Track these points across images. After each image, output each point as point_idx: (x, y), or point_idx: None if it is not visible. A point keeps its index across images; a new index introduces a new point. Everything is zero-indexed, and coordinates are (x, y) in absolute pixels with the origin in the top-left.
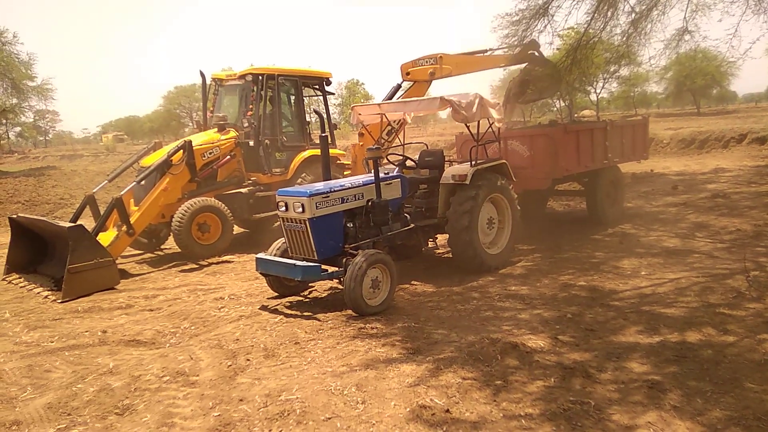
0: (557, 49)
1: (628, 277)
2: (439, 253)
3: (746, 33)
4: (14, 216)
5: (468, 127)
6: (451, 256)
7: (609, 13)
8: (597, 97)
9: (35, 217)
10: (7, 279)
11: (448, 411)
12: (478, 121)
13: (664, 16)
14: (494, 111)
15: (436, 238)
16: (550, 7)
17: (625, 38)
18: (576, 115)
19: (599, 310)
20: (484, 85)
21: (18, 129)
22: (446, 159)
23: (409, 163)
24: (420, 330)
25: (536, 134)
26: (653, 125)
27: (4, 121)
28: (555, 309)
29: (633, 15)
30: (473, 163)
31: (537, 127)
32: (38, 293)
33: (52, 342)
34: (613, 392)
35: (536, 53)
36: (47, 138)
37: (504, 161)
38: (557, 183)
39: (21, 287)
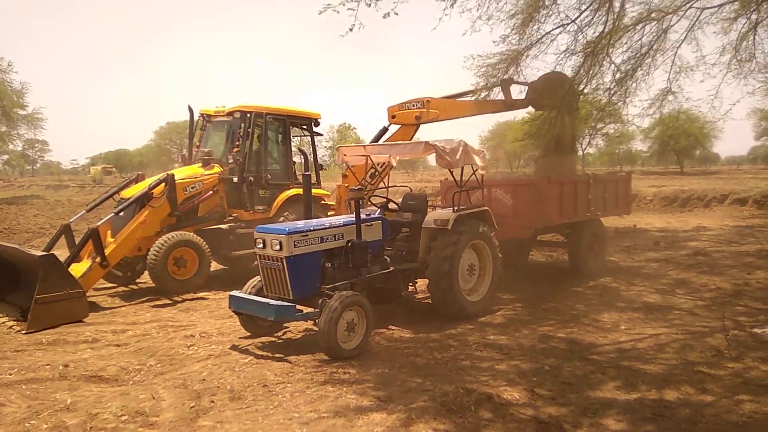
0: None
1: (607, 330)
2: (418, 298)
3: (728, 95)
4: None
5: (452, 173)
6: (430, 301)
7: (594, 70)
8: (583, 152)
9: (7, 244)
10: None
11: None
12: (462, 168)
13: (649, 76)
14: (478, 158)
15: (416, 282)
16: (521, 59)
17: (609, 96)
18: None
19: (578, 364)
20: (475, 130)
21: (5, 157)
22: (429, 204)
23: (391, 205)
24: (394, 377)
25: (520, 183)
26: (638, 182)
27: None
28: (533, 360)
29: (618, 74)
30: (456, 208)
31: (521, 177)
32: (2, 323)
33: (11, 374)
34: None
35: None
36: (35, 167)
37: (486, 208)
38: (540, 233)
39: None
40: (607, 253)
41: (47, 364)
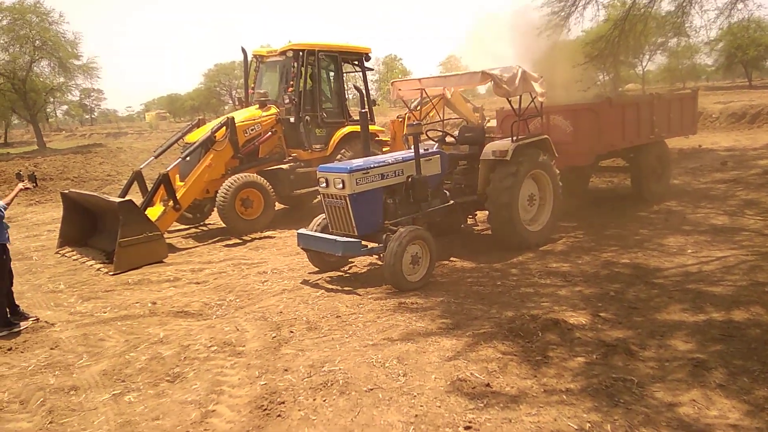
0: (603, 20)
1: (673, 254)
2: (478, 230)
3: None
4: (66, 191)
5: (509, 102)
6: (490, 232)
7: None
8: (643, 70)
9: (86, 192)
10: (60, 252)
11: (488, 385)
12: (520, 96)
13: None
14: (537, 85)
15: (476, 214)
16: None
17: (675, 8)
18: (620, 89)
19: (642, 288)
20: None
21: (65, 107)
22: (486, 135)
23: (449, 139)
24: (459, 305)
25: (580, 109)
26: (702, 99)
27: (52, 99)
28: (596, 286)
29: None
30: (514, 138)
31: (581, 102)
32: (90, 266)
33: (105, 312)
34: (656, 370)
35: None
36: (93, 116)
37: (546, 137)
38: (601, 159)
39: (74, 260)
40: (671, 176)
41: (137, 302)
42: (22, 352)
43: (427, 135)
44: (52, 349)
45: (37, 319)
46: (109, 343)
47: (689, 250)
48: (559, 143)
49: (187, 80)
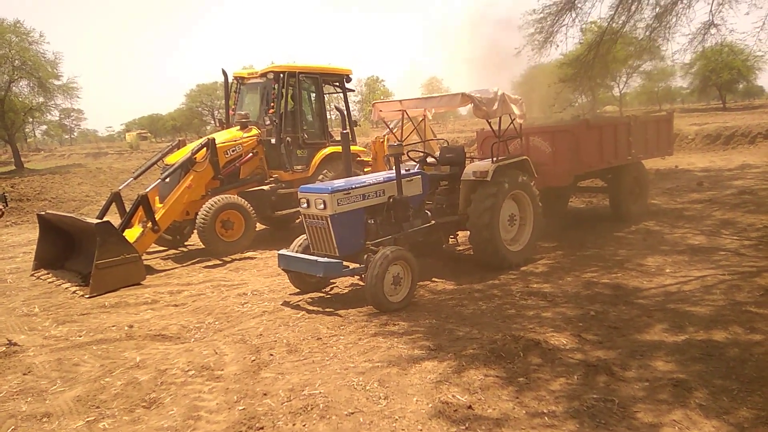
0: (580, 43)
1: (652, 274)
2: (460, 250)
3: None
4: (42, 213)
5: (489, 123)
6: (472, 252)
7: (633, 7)
8: (620, 92)
9: (63, 213)
10: (35, 274)
11: (470, 407)
12: (500, 117)
13: (690, 9)
14: (516, 107)
15: (458, 234)
16: (577, 0)
17: (649, 32)
18: (598, 111)
19: (623, 308)
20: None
21: (44, 127)
22: (467, 155)
23: (429, 159)
24: (442, 327)
25: (558, 130)
26: (678, 120)
27: (31, 119)
28: (578, 307)
29: (657, 8)
30: (494, 159)
31: (559, 123)
32: (66, 288)
33: (81, 336)
34: (638, 390)
35: None
36: (72, 136)
37: (526, 157)
38: (579, 180)
39: (49, 282)
40: (648, 196)
41: (113, 326)
42: None
43: (408, 155)
44: (24, 374)
45: (11, 344)
46: (84, 368)
47: (668, 270)
48: (539, 164)
49: (169, 101)
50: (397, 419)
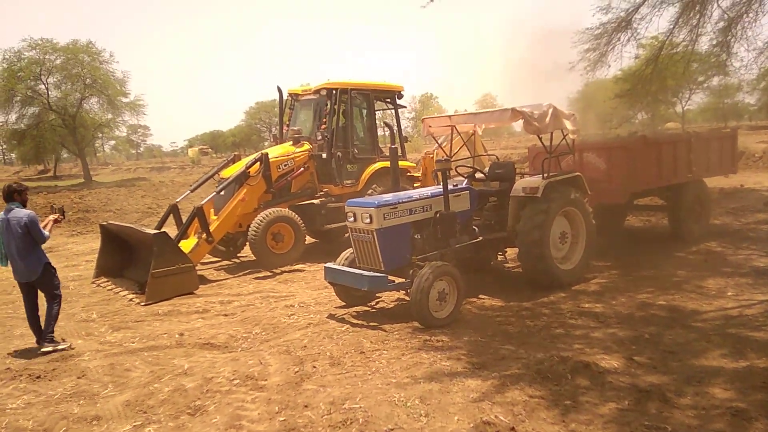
0: (636, 57)
1: (712, 297)
2: (508, 268)
3: None
4: (104, 223)
5: (540, 139)
6: (521, 270)
7: (695, 21)
8: (683, 108)
9: (123, 224)
10: (96, 282)
11: (513, 429)
12: (551, 133)
13: (756, 23)
14: (568, 122)
15: (506, 251)
16: (632, 19)
17: (713, 47)
18: (659, 128)
19: (680, 332)
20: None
21: (112, 142)
22: (518, 172)
23: (478, 175)
24: (486, 345)
25: (614, 146)
26: (744, 138)
27: (100, 135)
28: (631, 328)
29: (722, 22)
30: (545, 175)
31: (615, 139)
32: (123, 296)
33: (134, 343)
34: (693, 418)
35: None
36: (139, 151)
37: (578, 174)
38: (636, 197)
39: (108, 290)
40: (711, 216)
41: (165, 333)
42: (50, 380)
43: (456, 171)
44: (79, 378)
45: (68, 347)
46: (135, 374)
47: (730, 293)
48: (593, 181)
49: (229, 117)
50: None
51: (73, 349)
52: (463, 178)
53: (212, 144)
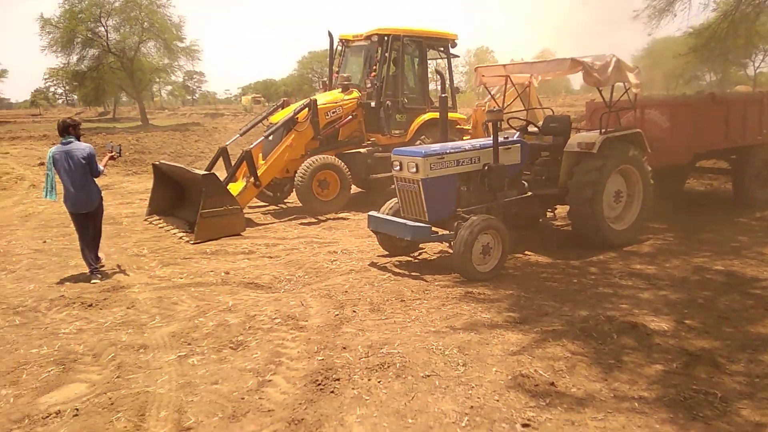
0: (713, 11)
1: None
2: (557, 225)
3: None
4: (157, 163)
5: (600, 92)
6: (570, 229)
7: None
8: (755, 71)
9: (174, 164)
10: (148, 220)
11: (552, 384)
12: (612, 86)
13: None
14: (632, 75)
15: (556, 209)
16: None
17: None
18: (729, 91)
19: (736, 297)
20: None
21: (169, 88)
22: (573, 127)
23: (531, 128)
24: (529, 300)
25: (679, 103)
26: None
27: (157, 79)
28: (684, 292)
29: None
30: (603, 131)
31: (680, 96)
32: (173, 234)
33: (181, 278)
34: (744, 385)
35: None
36: (194, 97)
37: (639, 131)
38: (699, 159)
39: (159, 227)
40: None
41: (211, 271)
42: (101, 309)
43: (508, 123)
44: (128, 308)
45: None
46: (181, 308)
47: None
48: (654, 139)
49: (282, 66)
50: (473, 387)
51: (112, 278)
52: (515, 131)
53: (265, 93)
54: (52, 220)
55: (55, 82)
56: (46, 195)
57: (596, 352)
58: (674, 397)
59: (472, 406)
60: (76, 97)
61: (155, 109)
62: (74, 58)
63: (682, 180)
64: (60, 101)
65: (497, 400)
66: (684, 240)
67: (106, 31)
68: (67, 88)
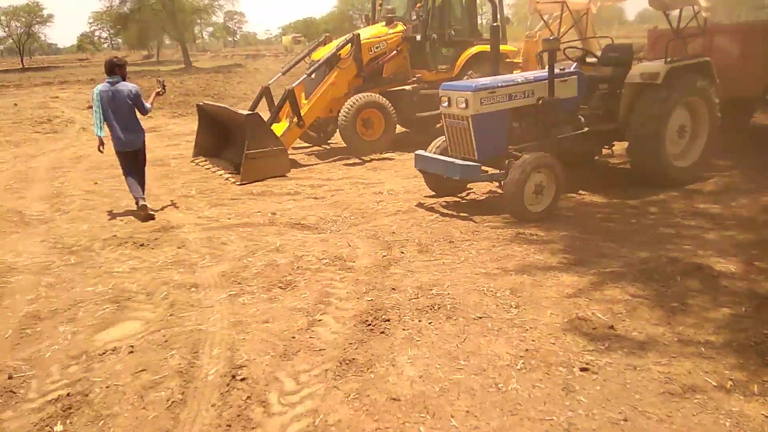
0: None
1: None
2: (614, 163)
3: None
4: (200, 103)
5: (667, 16)
6: (629, 167)
7: None
8: None
9: (217, 104)
10: (194, 161)
11: (611, 327)
12: (681, 10)
13: None
14: None
15: (614, 145)
16: None
17: None
18: None
19: None
20: None
21: (210, 29)
22: (635, 57)
23: (589, 58)
24: (585, 241)
25: (753, 29)
26: None
27: (199, 21)
28: (752, 232)
29: None
30: (668, 60)
31: (755, 21)
32: (220, 175)
33: (229, 219)
34: None
35: None
36: (235, 39)
37: (707, 59)
38: None
39: (206, 169)
40: None
41: (258, 212)
42: (152, 249)
43: (564, 53)
44: (179, 248)
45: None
46: (230, 248)
47: None
48: (723, 69)
49: (322, 3)
50: (528, 329)
51: (162, 218)
52: (572, 62)
53: (305, 32)
54: (102, 162)
55: (99, 25)
56: (97, 131)
57: (658, 294)
58: (744, 341)
59: (527, 349)
60: (120, 40)
61: (197, 52)
62: (117, 0)
63: (750, 114)
64: (105, 45)
65: (553, 344)
66: (752, 177)
67: None
68: (111, 31)
